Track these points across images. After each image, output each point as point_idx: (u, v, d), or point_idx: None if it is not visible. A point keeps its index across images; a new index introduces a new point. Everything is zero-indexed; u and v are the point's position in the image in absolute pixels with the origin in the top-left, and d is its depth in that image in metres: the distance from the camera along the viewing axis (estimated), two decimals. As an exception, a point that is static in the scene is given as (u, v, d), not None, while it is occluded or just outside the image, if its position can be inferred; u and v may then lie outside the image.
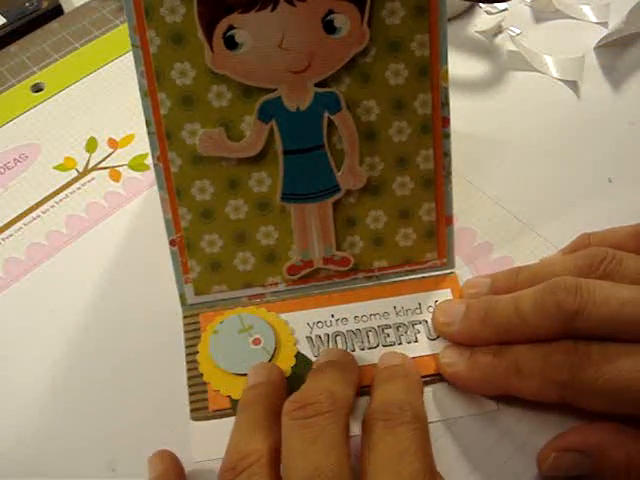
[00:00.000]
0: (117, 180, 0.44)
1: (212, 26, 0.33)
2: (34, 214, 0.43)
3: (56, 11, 0.55)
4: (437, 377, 0.35)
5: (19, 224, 0.43)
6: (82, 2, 0.56)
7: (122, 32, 0.52)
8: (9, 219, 0.43)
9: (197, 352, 0.36)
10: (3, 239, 0.42)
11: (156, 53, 0.33)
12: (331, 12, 0.33)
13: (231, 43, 0.33)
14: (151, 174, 0.44)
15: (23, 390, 0.36)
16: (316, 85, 0.34)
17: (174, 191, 0.35)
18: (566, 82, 0.48)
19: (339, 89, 0.34)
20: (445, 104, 0.36)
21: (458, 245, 0.39)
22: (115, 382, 0.36)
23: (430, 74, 0.35)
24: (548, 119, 0.47)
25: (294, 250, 0.37)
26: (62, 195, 0.44)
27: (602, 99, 0.48)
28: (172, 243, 0.36)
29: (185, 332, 0.37)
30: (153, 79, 0.33)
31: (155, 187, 0.41)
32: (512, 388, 0.33)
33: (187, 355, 0.36)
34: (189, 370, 0.36)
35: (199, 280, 0.37)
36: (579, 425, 0.33)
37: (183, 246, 0.36)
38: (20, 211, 0.43)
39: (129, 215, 0.43)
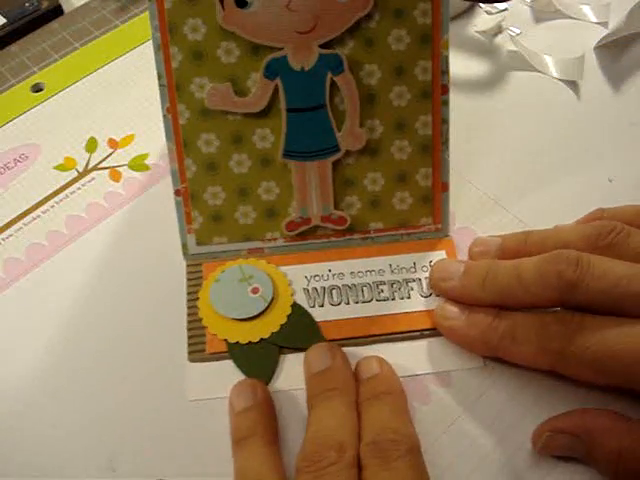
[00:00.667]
0: (117, 180, 0.44)
1: (223, -15, 0.34)
2: (34, 214, 0.43)
3: (56, 11, 0.55)
4: (426, 332, 0.37)
5: (19, 224, 0.43)
6: (82, 2, 0.56)
7: (122, 32, 0.53)
8: (9, 219, 0.43)
9: (198, 298, 0.38)
10: (3, 239, 0.42)
11: (170, 8, 0.35)
12: (338, -24, 0.35)
13: (241, 2, 0.34)
14: (151, 174, 0.44)
15: (23, 388, 0.37)
16: (321, 46, 0.36)
17: (181, 142, 0.37)
18: (566, 82, 0.49)
19: (343, 51, 0.36)
20: (445, 72, 0.37)
21: (458, 244, 0.40)
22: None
23: (431, 42, 0.36)
24: (548, 119, 0.47)
25: (293, 207, 0.39)
26: (62, 195, 0.44)
27: (602, 99, 0.48)
28: (177, 193, 0.38)
29: (188, 280, 0.38)
30: (166, 33, 0.35)
31: (155, 187, 0.44)
32: (505, 351, 0.35)
33: (188, 301, 0.38)
34: (189, 315, 0.37)
35: (201, 231, 0.39)
36: (577, 409, 0.34)
37: (187, 196, 0.38)
38: (20, 211, 0.43)
39: (129, 215, 0.43)
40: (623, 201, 0.41)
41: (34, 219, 0.43)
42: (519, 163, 0.45)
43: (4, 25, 0.54)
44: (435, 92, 0.37)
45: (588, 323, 0.33)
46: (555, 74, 0.49)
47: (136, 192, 0.44)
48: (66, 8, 0.56)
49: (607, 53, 0.51)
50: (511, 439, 0.34)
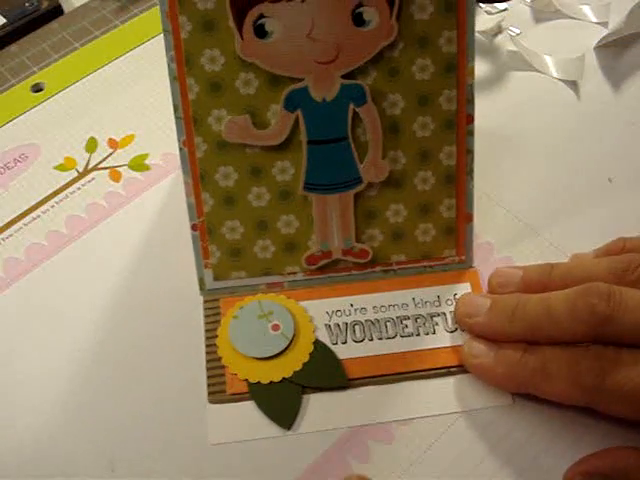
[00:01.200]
0: (117, 180, 0.44)
1: (243, 14, 0.33)
2: (34, 214, 0.43)
3: (56, 11, 0.55)
4: (453, 369, 0.36)
5: (19, 224, 0.42)
6: (82, 2, 0.55)
7: (122, 32, 0.53)
8: (9, 219, 0.43)
9: (216, 336, 0.36)
10: (3, 239, 0.42)
11: (187, 38, 0.33)
12: (361, 5, 0.33)
13: (261, 31, 0.33)
14: (151, 174, 0.44)
15: (25, 390, 0.36)
16: (343, 77, 0.34)
17: (198, 176, 0.36)
18: (566, 82, 0.49)
19: (365, 82, 0.35)
20: (470, 101, 0.36)
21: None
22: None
23: (456, 70, 0.35)
24: (548, 119, 0.47)
25: (314, 240, 0.38)
26: (62, 195, 0.44)
27: (602, 99, 0.48)
28: (194, 228, 0.37)
29: (205, 316, 0.37)
30: (182, 64, 0.34)
31: (155, 186, 0.43)
32: (537, 388, 0.34)
33: (207, 339, 0.37)
34: (208, 354, 0.36)
35: (219, 265, 0.37)
36: (610, 447, 0.33)
37: (204, 231, 0.37)
38: (20, 211, 0.43)
39: (129, 215, 0.43)
40: (623, 201, 0.43)
41: (34, 219, 0.43)
42: (519, 162, 0.45)
43: (4, 25, 0.53)
44: (460, 122, 0.36)
45: (624, 358, 0.32)
46: (555, 74, 0.49)
47: (136, 192, 0.43)
48: (66, 8, 0.55)
49: (607, 53, 0.51)
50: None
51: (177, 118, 0.35)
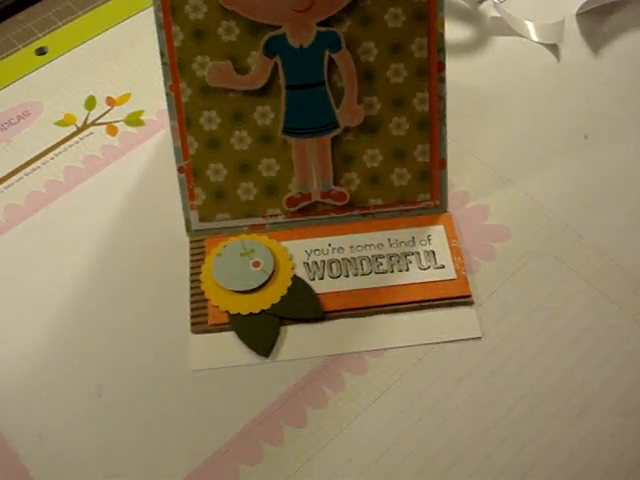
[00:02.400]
0: (113, 134, 0.46)
1: (223, -36, 0.35)
2: (34, 165, 0.45)
3: None
4: (425, 303, 0.38)
5: (20, 174, 0.45)
6: None
7: (122, 1, 0.55)
8: (11, 169, 0.45)
9: (200, 272, 0.38)
10: (5, 187, 0.44)
11: (171, -12, 0.36)
12: (334, -45, 0.35)
13: (241, -19, 0.36)
14: (146, 129, 0.46)
15: (20, 319, 0.39)
16: (318, 24, 0.36)
17: (184, 120, 0.38)
18: (547, 46, 0.51)
19: (340, 29, 0.37)
20: (441, 50, 0.38)
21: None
22: (119, 305, 0.39)
23: (427, 20, 0.37)
24: (528, 79, 0.49)
25: (294, 183, 0.39)
26: (61, 148, 0.46)
27: (581, 62, 0.50)
28: (180, 170, 0.39)
29: (191, 255, 0.39)
30: (168, 12, 0.36)
31: (149, 140, 0.45)
32: None
33: (191, 275, 0.39)
34: (192, 288, 0.38)
35: (204, 207, 0.40)
36: None
37: (190, 173, 0.39)
38: (21, 162, 0.45)
39: (124, 166, 0.45)
40: (597, 156, 0.45)
41: (34, 170, 0.45)
42: (499, 119, 0.47)
43: None
44: (432, 69, 0.38)
45: None
46: (536, 38, 0.51)
47: (131, 145, 0.46)
48: None
49: (588, 19, 0.53)
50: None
51: (163, 64, 0.37)
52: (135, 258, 0.40)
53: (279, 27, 0.36)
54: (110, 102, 0.48)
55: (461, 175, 0.43)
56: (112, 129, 0.46)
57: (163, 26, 0.36)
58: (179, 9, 0.36)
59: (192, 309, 0.38)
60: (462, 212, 0.41)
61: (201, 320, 0.37)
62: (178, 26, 0.36)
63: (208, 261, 0.39)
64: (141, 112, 0.47)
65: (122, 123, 0.47)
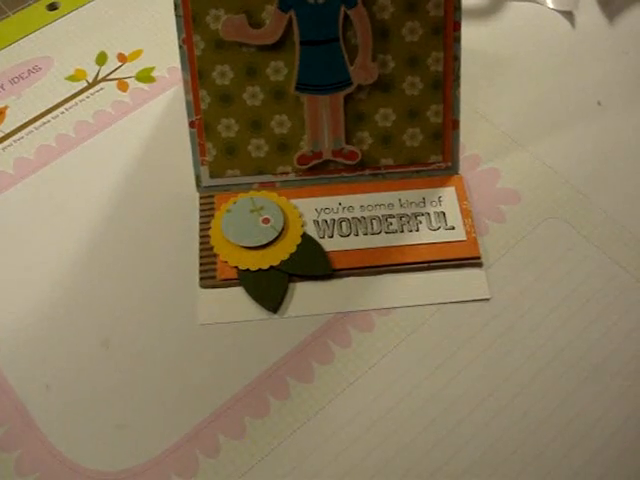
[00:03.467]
0: (124, 90, 0.46)
1: None
2: (44, 119, 0.45)
3: None
4: (433, 263, 0.38)
5: (30, 127, 0.45)
6: None
7: None
8: (20, 123, 0.45)
9: (210, 228, 0.38)
10: (14, 141, 0.44)
11: (187, -63, 0.35)
12: None
13: None
14: (157, 86, 0.46)
15: (31, 271, 0.39)
16: (334, -21, 0.36)
17: (196, 74, 0.38)
18: (562, 13, 0.50)
19: (356, -16, 0.36)
20: (457, 8, 0.37)
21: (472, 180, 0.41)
22: (128, 259, 0.39)
23: (444, -23, 0.37)
24: (542, 45, 0.49)
25: (305, 141, 0.39)
26: (72, 103, 0.46)
27: (597, 30, 0.50)
28: (191, 125, 0.39)
29: (200, 210, 0.39)
30: (182, -37, 0.36)
31: (160, 97, 0.45)
32: None
33: (200, 231, 0.39)
34: (201, 244, 0.38)
35: (214, 163, 0.39)
36: None
37: (201, 128, 0.39)
38: (31, 116, 0.45)
39: (134, 121, 0.45)
40: (610, 122, 0.44)
41: (44, 124, 0.45)
42: (511, 84, 0.47)
43: None
44: (447, 28, 0.38)
45: None
46: (551, 5, 0.51)
47: (142, 101, 0.46)
48: None
49: None
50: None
51: (177, 16, 0.37)
52: (144, 213, 0.40)
53: (295, -19, 0.36)
54: (121, 58, 0.48)
55: (473, 138, 0.43)
56: (123, 85, 0.46)
57: (177, -23, 0.36)
58: (194, -40, 0.36)
59: (201, 264, 0.38)
60: (473, 175, 0.41)
61: (210, 275, 0.37)
62: (193, -23, 0.36)
63: (217, 217, 0.39)
64: (152, 68, 0.47)
65: (133, 79, 0.47)
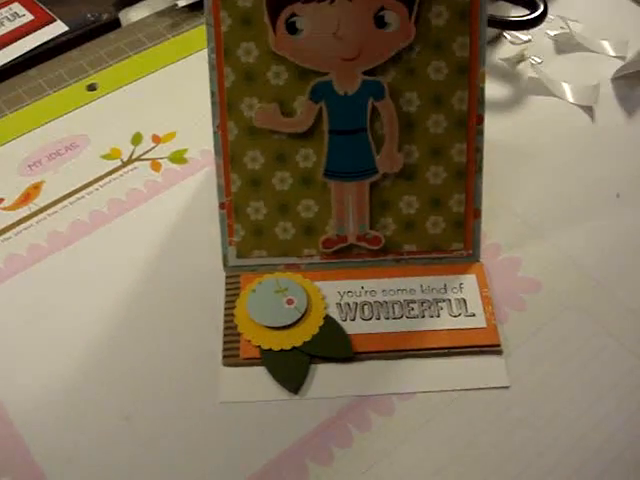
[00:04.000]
0: (157, 170, 0.48)
1: (277, 12, 0.37)
2: (79, 195, 0.47)
3: (114, 24, 0.60)
4: (455, 350, 0.38)
5: (64, 202, 0.46)
6: (139, 17, 0.61)
7: (172, 44, 0.57)
8: (55, 198, 0.47)
9: (234, 307, 0.39)
10: (49, 214, 0.46)
11: (226, 32, 0.37)
12: (383, 9, 0.37)
13: (292, 28, 0.37)
14: (188, 167, 0.48)
15: (56, 344, 0.39)
16: (364, 73, 0.38)
17: (229, 158, 0.39)
18: (582, 107, 0.52)
19: (385, 79, 0.38)
20: (481, 102, 0.39)
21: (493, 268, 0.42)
22: (153, 333, 0.40)
23: (468, 73, 0.38)
24: (563, 138, 0.50)
25: (331, 225, 0.40)
26: (106, 180, 0.48)
27: (615, 124, 0.51)
28: (222, 206, 0.40)
29: (226, 289, 0.40)
30: (221, 55, 0.38)
31: (191, 177, 0.47)
32: None
33: (225, 309, 0.39)
34: (226, 322, 0.39)
35: (242, 243, 0.41)
36: None
37: (231, 210, 0.40)
38: (66, 192, 0.47)
39: (165, 200, 0.46)
40: (629, 214, 0.45)
41: (78, 199, 0.47)
42: (533, 175, 0.48)
43: (66, 32, 0.59)
44: (470, 121, 0.39)
45: None
46: (572, 100, 0.52)
47: (174, 181, 0.47)
48: (124, 22, 0.61)
49: (623, 84, 0.54)
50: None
51: (213, 104, 0.39)
52: (171, 290, 0.41)
53: (326, 74, 0.38)
54: (155, 139, 0.50)
55: (494, 227, 0.44)
56: (156, 165, 0.48)
57: (215, 67, 0.38)
58: (232, 52, 0.38)
59: (225, 342, 0.38)
60: (494, 263, 0.42)
61: (233, 353, 0.38)
62: (230, 68, 0.38)
63: (243, 296, 0.39)
64: (184, 150, 0.49)
65: (166, 160, 0.49)
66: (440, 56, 0.38)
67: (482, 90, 0.39)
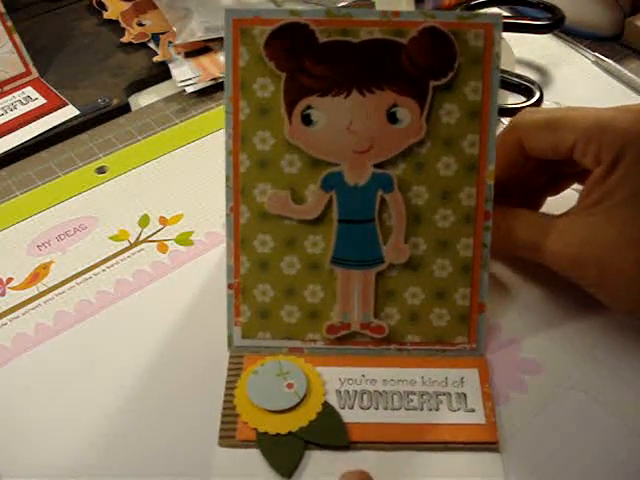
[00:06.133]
0: (164, 252, 0.49)
1: (293, 104, 0.39)
2: (86, 275, 0.48)
3: (124, 108, 0.62)
4: (451, 445, 0.38)
5: (72, 283, 0.47)
6: (148, 102, 0.63)
7: (181, 129, 0.59)
8: (63, 279, 0.48)
9: (235, 387, 0.40)
10: (56, 294, 0.47)
11: (244, 120, 0.39)
12: (395, 105, 0.38)
13: (307, 120, 0.39)
14: (194, 249, 0.49)
15: (64, 422, 0.40)
16: (374, 166, 0.39)
17: (239, 241, 0.40)
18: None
19: (394, 172, 0.39)
20: (489, 199, 0.40)
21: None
22: (153, 410, 0.40)
23: (477, 170, 0.39)
24: None
25: (335, 311, 0.41)
26: (113, 261, 0.48)
27: None
28: (230, 287, 0.41)
29: (229, 369, 0.41)
30: (238, 141, 0.39)
31: (197, 259, 0.48)
32: None
33: (226, 389, 0.40)
34: (225, 402, 0.39)
35: (247, 325, 0.41)
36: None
37: (239, 291, 0.41)
38: (74, 272, 0.48)
39: (172, 281, 0.47)
40: None
41: (86, 280, 0.47)
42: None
43: (77, 116, 0.61)
44: (478, 217, 0.40)
45: None
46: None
47: (180, 263, 0.48)
48: (133, 106, 0.63)
49: None
50: None
51: (227, 187, 0.40)
52: (174, 368, 0.42)
53: (337, 165, 0.39)
54: (162, 221, 0.51)
55: (494, 310, 0.44)
56: (163, 247, 0.49)
57: (232, 153, 0.39)
58: (248, 139, 0.39)
59: (222, 422, 0.38)
60: (494, 345, 0.42)
61: (229, 434, 0.38)
62: (245, 154, 0.39)
63: (244, 377, 0.40)
64: (191, 233, 0.50)
65: (173, 242, 0.50)
66: (450, 152, 0.39)
67: (490, 187, 0.40)
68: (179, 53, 0.66)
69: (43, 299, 0.46)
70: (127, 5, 0.71)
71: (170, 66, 0.65)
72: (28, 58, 0.64)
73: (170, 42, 0.67)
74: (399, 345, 0.41)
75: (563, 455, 0.38)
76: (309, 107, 0.39)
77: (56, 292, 0.47)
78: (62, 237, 0.50)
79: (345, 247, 0.40)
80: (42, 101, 0.62)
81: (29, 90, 0.64)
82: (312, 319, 0.41)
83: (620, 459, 0.37)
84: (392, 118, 0.39)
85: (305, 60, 0.38)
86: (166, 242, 0.50)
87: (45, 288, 0.47)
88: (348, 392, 0.40)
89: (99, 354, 0.43)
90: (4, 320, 0.45)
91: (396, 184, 0.39)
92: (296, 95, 0.39)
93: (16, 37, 0.63)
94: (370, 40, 0.38)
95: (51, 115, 0.61)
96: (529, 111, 0.43)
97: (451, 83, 0.39)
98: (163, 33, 0.68)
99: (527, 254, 0.42)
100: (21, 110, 0.61)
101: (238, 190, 0.40)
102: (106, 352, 0.43)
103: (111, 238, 0.50)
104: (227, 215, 0.40)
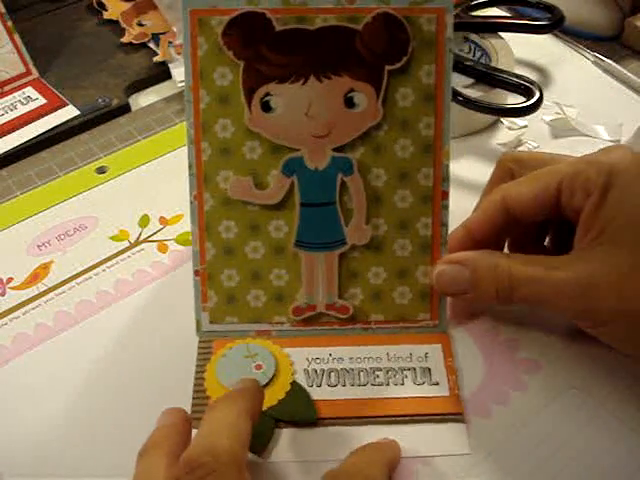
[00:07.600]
0: (164, 252, 0.49)
1: (252, 91, 0.39)
2: (86, 275, 0.48)
3: (124, 109, 0.63)
4: (417, 417, 0.39)
5: (72, 283, 0.47)
6: (148, 102, 0.64)
7: (180, 129, 0.59)
8: (64, 278, 0.48)
9: (205, 370, 0.40)
10: (56, 294, 0.47)
11: (204, 109, 0.40)
12: (352, 90, 0.39)
13: (266, 107, 0.40)
14: None
15: (68, 423, 0.40)
16: (334, 150, 0.40)
17: (204, 227, 0.41)
18: None
19: (353, 156, 0.40)
20: (445, 179, 0.41)
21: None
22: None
23: (433, 152, 0.41)
24: None
25: (301, 293, 0.42)
26: (113, 261, 0.49)
27: None
28: (196, 273, 0.42)
29: (198, 354, 0.41)
30: (199, 130, 0.40)
31: None
32: None
33: (196, 372, 0.41)
34: (195, 385, 0.40)
35: (215, 310, 0.42)
36: None
37: (205, 277, 0.42)
38: (74, 272, 0.48)
39: (172, 281, 0.47)
40: None
41: (86, 280, 0.48)
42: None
43: (78, 116, 0.61)
44: (436, 197, 0.41)
45: None
46: None
47: (180, 262, 0.48)
48: (133, 107, 0.63)
49: None
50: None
51: (190, 175, 0.41)
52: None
53: (298, 150, 0.40)
54: (162, 221, 0.52)
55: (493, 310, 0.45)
56: (163, 247, 0.50)
57: (194, 142, 0.40)
58: (209, 128, 0.40)
59: (193, 404, 0.39)
60: (494, 345, 0.43)
61: (201, 416, 0.38)
62: (207, 142, 0.40)
63: (213, 360, 0.41)
64: (190, 233, 0.50)
65: (173, 242, 0.50)
66: (406, 135, 0.40)
67: (447, 167, 0.41)
68: (179, 53, 0.66)
69: (43, 299, 0.47)
70: (127, 5, 0.71)
71: (170, 66, 0.65)
72: (28, 58, 0.64)
73: (170, 42, 0.67)
74: (364, 324, 0.43)
75: (563, 455, 0.38)
76: (268, 94, 0.39)
77: (56, 292, 0.47)
78: (62, 237, 0.51)
79: (308, 230, 0.41)
80: (42, 101, 0.62)
81: (29, 90, 0.64)
82: (278, 302, 0.42)
83: (620, 459, 0.38)
84: (349, 103, 0.40)
85: (262, 48, 0.39)
86: (166, 242, 0.50)
87: (45, 288, 0.47)
88: (316, 371, 0.41)
89: (99, 354, 0.43)
90: (4, 320, 0.46)
91: (356, 167, 0.40)
92: (255, 83, 0.39)
93: (16, 37, 0.63)
94: (325, 27, 0.39)
95: (51, 115, 0.61)
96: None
97: (406, 67, 0.40)
98: (163, 33, 0.68)
99: (529, 292, 0.39)
100: (21, 110, 0.61)
101: (201, 178, 0.41)
102: (106, 352, 0.43)
103: (111, 238, 0.50)
104: (191, 202, 0.41)
